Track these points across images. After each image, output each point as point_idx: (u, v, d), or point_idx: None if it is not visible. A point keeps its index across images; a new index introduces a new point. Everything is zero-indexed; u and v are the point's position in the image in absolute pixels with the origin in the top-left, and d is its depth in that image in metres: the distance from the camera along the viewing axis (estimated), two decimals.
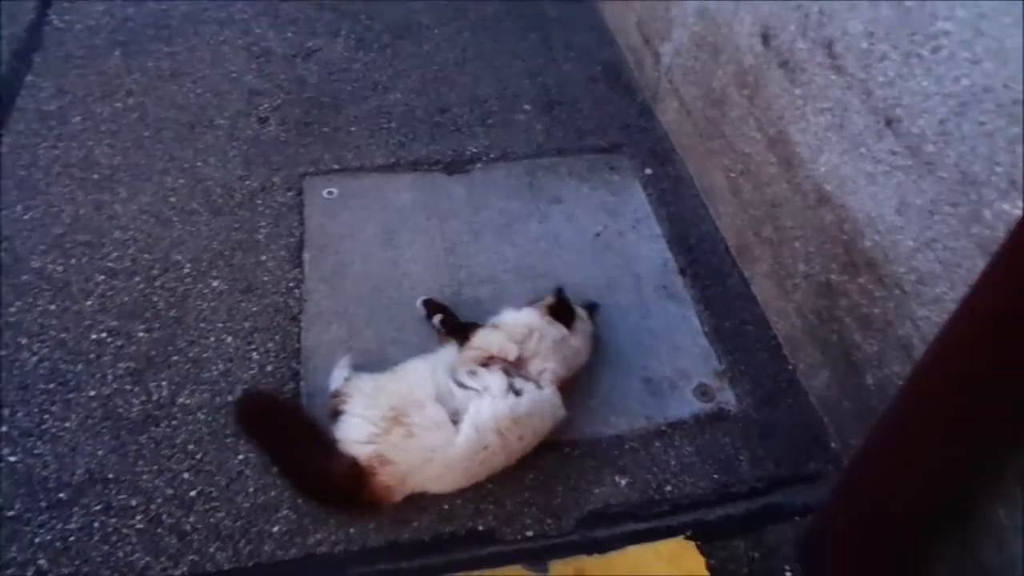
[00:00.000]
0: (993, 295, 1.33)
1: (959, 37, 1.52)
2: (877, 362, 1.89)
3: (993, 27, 1.44)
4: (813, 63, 2.00)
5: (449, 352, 2.10)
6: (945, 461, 1.52)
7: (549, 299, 2.20)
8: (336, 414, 1.94)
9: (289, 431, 1.99)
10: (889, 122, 1.74)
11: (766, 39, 2.20)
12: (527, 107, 3.14)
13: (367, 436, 1.85)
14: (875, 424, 1.66)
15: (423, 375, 1.97)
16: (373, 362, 2.20)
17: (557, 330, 2.11)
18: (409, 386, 1.95)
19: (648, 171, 2.90)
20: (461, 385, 1.93)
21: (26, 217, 2.52)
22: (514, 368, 1.99)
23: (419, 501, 1.93)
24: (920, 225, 1.68)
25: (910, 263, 1.72)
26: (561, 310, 2.17)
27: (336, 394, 2.01)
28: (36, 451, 1.97)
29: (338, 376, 2.09)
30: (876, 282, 1.85)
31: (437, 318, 2.28)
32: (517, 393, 1.91)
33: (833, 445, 2.12)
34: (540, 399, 1.95)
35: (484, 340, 2.07)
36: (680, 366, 2.30)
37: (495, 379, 1.93)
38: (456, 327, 2.21)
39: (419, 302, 2.35)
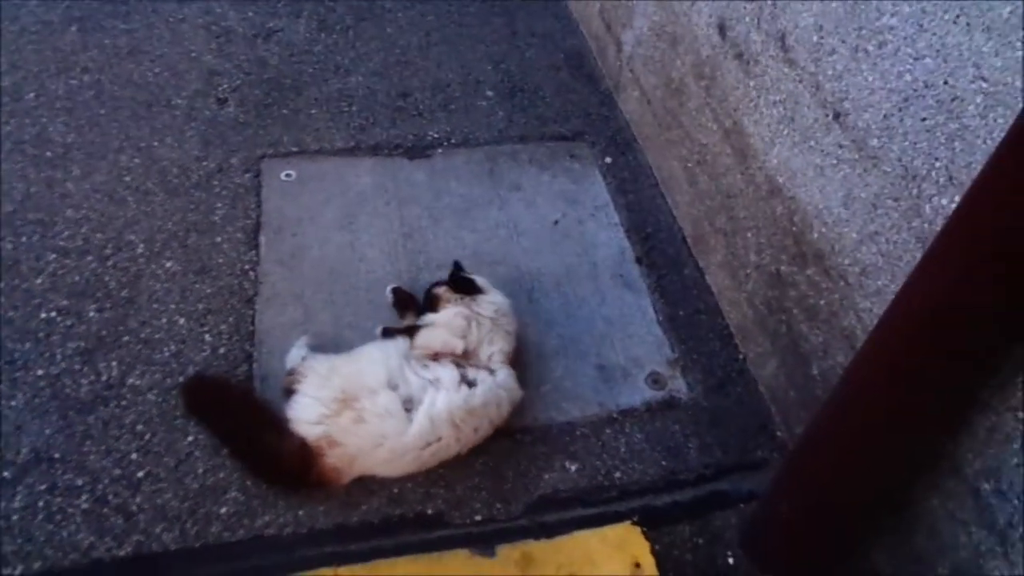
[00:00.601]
0: (928, 287, 1.36)
1: (903, 33, 1.55)
2: (822, 352, 1.93)
3: (935, 24, 1.47)
4: (767, 55, 2.02)
5: (405, 340, 2.10)
6: (883, 450, 1.56)
7: (443, 285, 2.21)
8: (290, 393, 1.94)
9: (238, 412, 1.99)
10: (837, 116, 1.77)
11: (723, 30, 2.23)
12: (489, 93, 3.14)
13: (317, 417, 1.85)
14: (816, 413, 1.69)
15: (377, 360, 1.96)
16: (329, 345, 2.20)
17: (486, 306, 2.13)
18: (362, 370, 1.94)
19: (608, 160, 2.92)
20: (416, 374, 1.93)
21: None
22: (463, 359, 1.99)
23: (369, 484, 1.94)
24: (864, 218, 1.71)
25: (854, 255, 1.76)
26: (463, 284, 2.19)
27: (291, 372, 2.01)
28: None
29: (295, 355, 2.09)
30: (823, 273, 1.88)
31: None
32: (471, 384, 1.92)
33: (779, 434, 2.16)
34: (495, 386, 1.96)
35: (427, 340, 2.07)
36: (633, 354, 2.32)
37: (446, 372, 1.93)
38: (404, 329, 2.20)
39: (388, 290, 2.35)
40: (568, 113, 3.10)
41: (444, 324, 2.09)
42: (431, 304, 2.17)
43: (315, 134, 2.87)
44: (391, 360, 1.96)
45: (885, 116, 1.62)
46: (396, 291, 2.34)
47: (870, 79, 1.66)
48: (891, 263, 1.64)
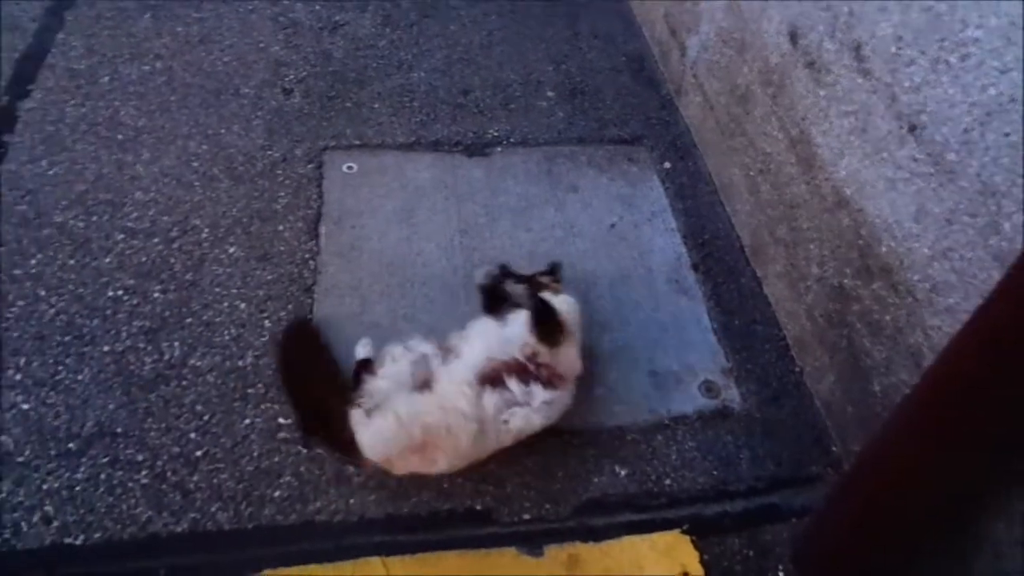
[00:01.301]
0: (1007, 308, 1.32)
1: (989, 45, 1.51)
2: (884, 369, 1.89)
3: None
4: (840, 65, 1.99)
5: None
6: (946, 471, 1.53)
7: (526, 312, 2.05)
8: (360, 390, 1.94)
9: (318, 374, 2.09)
10: (912, 128, 1.73)
11: (794, 38, 2.20)
12: (550, 94, 3.14)
13: (384, 451, 1.85)
14: (878, 430, 1.66)
15: (466, 408, 1.85)
16: (384, 336, 2.22)
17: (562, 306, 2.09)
18: (450, 426, 1.84)
19: (667, 165, 2.90)
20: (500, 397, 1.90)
21: (51, 172, 2.55)
22: (533, 369, 1.96)
23: (419, 477, 1.95)
24: (937, 234, 1.68)
25: (925, 271, 1.72)
26: (549, 328, 2.01)
27: (361, 391, 1.94)
28: (49, 401, 2.00)
29: (361, 353, 2.12)
30: (889, 289, 1.85)
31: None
32: (548, 404, 1.93)
33: (834, 449, 2.13)
34: (561, 401, 1.97)
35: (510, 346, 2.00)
36: (687, 361, 2.31)
37: (536, 393, 1.92)
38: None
39: (483, 274, 2.28)
40: (628, 116, 3.09)
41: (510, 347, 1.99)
42: (500, 299, 2.17)
43: (377, 128, 2.90)
44: (485, 411, 1.87)
45: (965, 130, 1.58)
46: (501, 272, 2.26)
47: (950, 92, 1.62)
48: (964, 281, 1.61)
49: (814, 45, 2.11)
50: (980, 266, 1.56)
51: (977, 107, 1.55)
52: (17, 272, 2.26)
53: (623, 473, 2.05)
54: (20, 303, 2.18)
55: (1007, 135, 1.47)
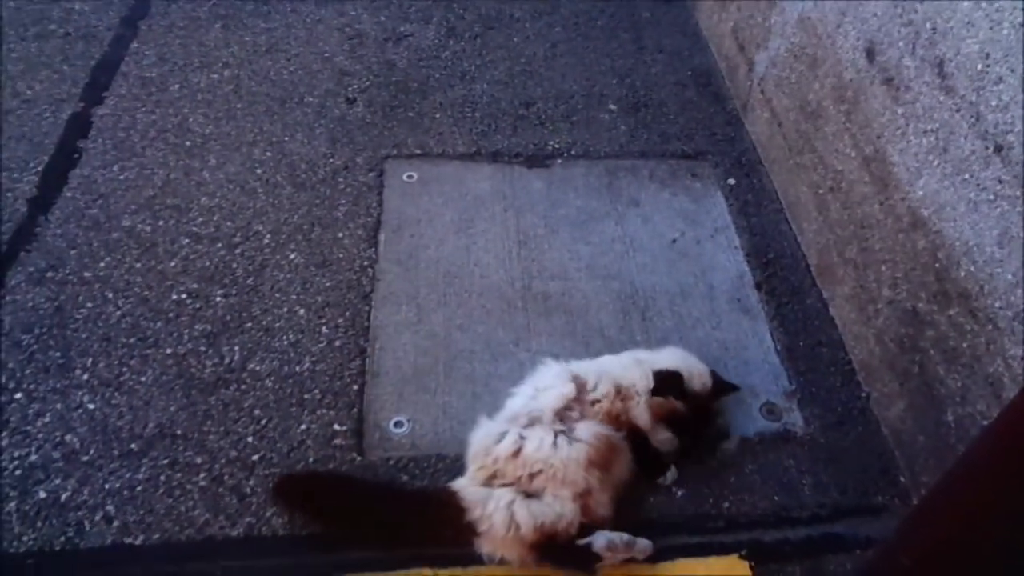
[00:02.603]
0: None
1: None
2: (960, 398, 1.81)
3: None
4: (920, 82, 1.92)
5: None
6: None
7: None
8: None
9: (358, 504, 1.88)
10: (999, 148, 1.66)
11: (871, 54, 2.13)
12: (612, 107, 3.11)
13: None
14: (954, 462, 1.59)
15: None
16: (439, 346, 2.22)
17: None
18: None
19: (731, 181, 2.84)
20: None
21: (121, 177, 2.61)
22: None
23: None
24: (1022, 259, 1.60)
25: (1007, 298, 1.64)
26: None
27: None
28: (113, 401, 2.04)
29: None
30: (967, 315, 1.77)
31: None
32: None
33: (902, 479, 2.04)
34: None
35: None
36: (748, 382, 2.24)
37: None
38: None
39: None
40: (692, 131, 3.04)
41: None
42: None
43: (438, 137, 2.91)
44: None
45: None
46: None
47: None
48: None
49: (893, 61, 2.04)
50: None
51: None
52: (87, 275, 2.31)
53: (680, 494, 2.00)
54: (88, 305, 2.24)
55: None
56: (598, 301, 2.40)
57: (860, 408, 2.20)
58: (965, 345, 1.78)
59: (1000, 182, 1.66)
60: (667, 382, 1.97)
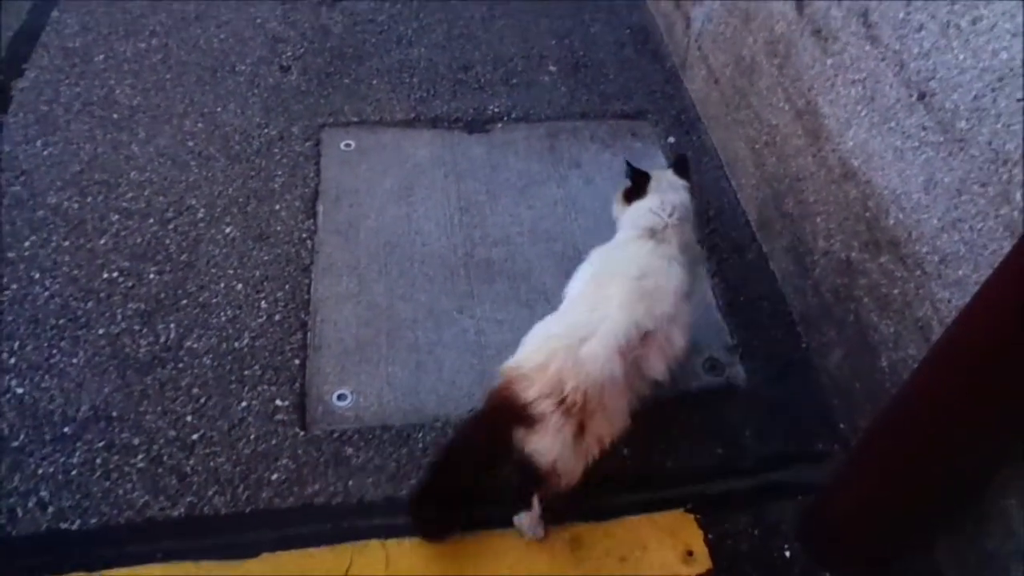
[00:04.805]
0: (1017, 279, 1.28)
1: (1001, 8, 1.45)
2: (893, 344, 1.85)
3: None
4: (847, 32, 1.93)
5: None
6: (957, 447, 1.49)
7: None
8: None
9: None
10: (922, 96, 1.68)
11: (800, 6, 2.13)
12: (552, 68, 3.08)
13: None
14: (885, 405, 1.62)
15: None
16: (381, 316, 2.20)
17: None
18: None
19: (671, 139, 2.84)
20: None
21: (45, 153, 2.52)
22: None
23: (420, 458, 1.92)
24: (947, 204, 1.62)
25: (934, 243, 1.67)
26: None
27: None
28: (43, 385, 1.98)
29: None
30: (897, 262, 1.80)
31: None
32: None
33: (842, 426, 2.09)
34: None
35: None
36: (692, 339, 2.25)
37: None
38: None
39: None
40: (632, 91, 3.03)
41: None
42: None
43: (376, 104, 2.85)
44: None
45: (976, 96, 1.52)
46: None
47: (961, 57, 1.56)
48: (975, 252, 1.56)
49: (821, 13, 2.04)
50: (991, 237, 1.51)
51: (988, 72, 1.49)
52: (11, 255, 2.23)
53: (625, 451, 2.01)
54: (14, 286, 2.16)
55: (1020, 100, 1.42)
56: (541, 265, 2.40)
57: (800, 359, 2.24)
58: (896, 291, 1.82)
59: (924, 129, 1.67)
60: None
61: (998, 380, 1.34)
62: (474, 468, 1.68)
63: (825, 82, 2.04)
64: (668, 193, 1.98)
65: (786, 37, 2.22)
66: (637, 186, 2.02)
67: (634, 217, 1.97)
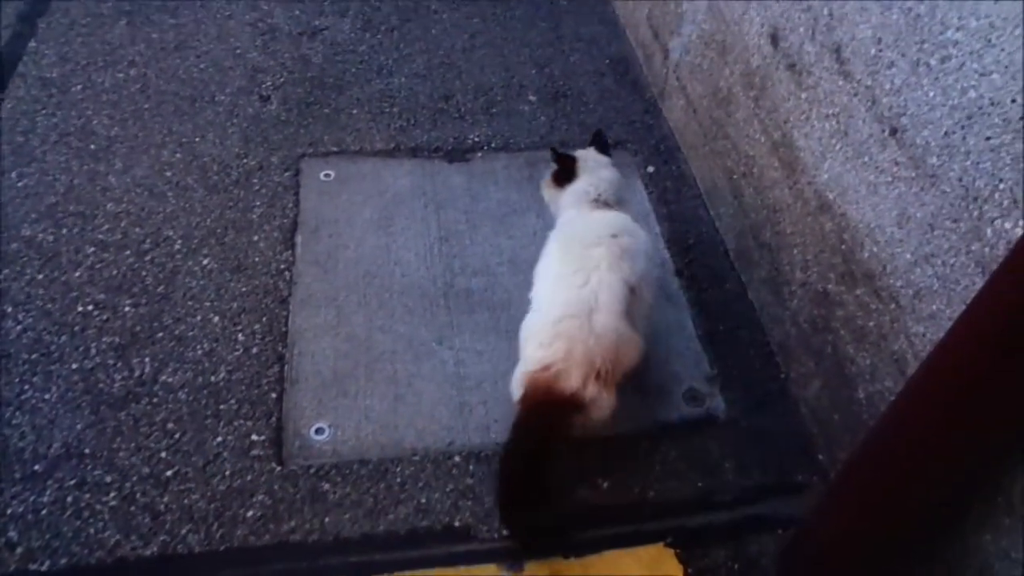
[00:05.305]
0: (990, 315, 1.29)
1: (969, 48, 1.47)
2: (869, 376, 1.85)
3: (1004, 39, 1.40)
4: (820, 67, 1.95)
5: None
6: (931, 482, 1.49)
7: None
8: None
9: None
10: (894, 131, 1.70)
11: (775, 40, 2.16)
12: (532, 98, 3.10)
13: None
14: (862, 439, 1.62)
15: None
16: (360, 348, 2.18)
17: None
18: None
19: (650, 169, 2.86)
20: None
21: (20, 184, 2.50)
22: None
23: (397, 493, 1.91)
24: (920, 239, 1.64)
25: (908, 277, 1.68)
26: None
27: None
28: (14, 422, 1.95)
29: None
30: (873, 294, 1.81)
31: None
32: None
33: (821, 457, 2.09)
34: None
35: None
36: (671, 369, 2.26)
37: None
38: None
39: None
40: (611, 120, 3.05)
41: None
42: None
43: (356, 134, 2.85)
44: None
45: (946, 133, 1.54)
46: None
47: (931, 94, 1.58)
48: (947, 287, 1.57)
49: (795, 47, 2.07)
50: (963, 272, 1.52)
51: (958, 110, 1.51)
52: None
53: (605, 484, 2.00)
54: None
55: (988, 139, 1.44)
56: (520, 295, 2.36)
57: (779, 389, 2.24)
58: (872, 324, 1.83)
59: (896, 164, 1.69)
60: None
61: (972, 416, 1.35)
62: (542, 468, 1.75)
63: (800, 115, 2.06)
64: (599, 171, 2.17)
65: (762, 70, 2.24)
66: (566, 169, 2.18)
67: (576, 197, 2.13)
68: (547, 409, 1.74)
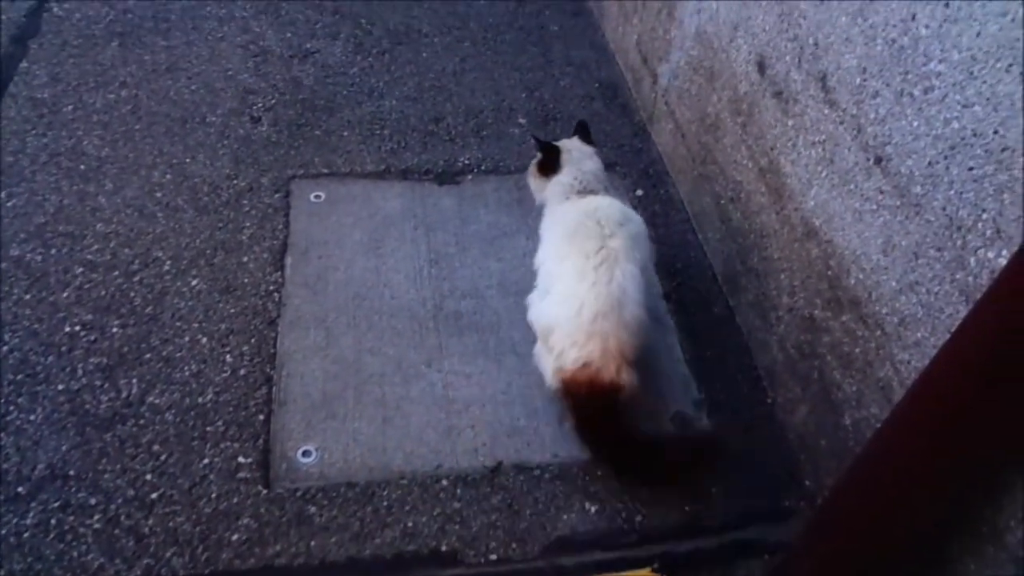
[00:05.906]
0: (973, 344, 1.30)
1: (952, 79, 1.50)
2: (856, 402, 1.86)
3: (986, 72, 1.42)
4: (806, 95, 1.98)
5: None
6: (917, 509, 1.49)
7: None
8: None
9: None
10: (879, 160, 1.72)
11: (761, 67, 2.19)
12: (522, 121, 3.12)
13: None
14: (848, 465, 1.63)
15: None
16: (348, 370, 2.18)
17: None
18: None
19: (639, 192, 2.88)
20: None
21: (9, 204, 2.49)
22: None
23: (384, 517, 1.90)
24: (904, 267, 1.66)
25: (893, 304, 1.70)
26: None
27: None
28: None
29: None
30: (858, 321, 1.83)
31: None
32: None
33: (808, 483, 2.09)
34: None
35: None
36: (658, 393, 2.27)
37: None
38: None
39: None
40: (600, 143, 3.01)
41: None
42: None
43: (346, 156, 2.86)
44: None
45: (930, 163, 1.57)
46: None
47: (915, 124, 1.61)
48: (932, 315, 1.58)
49: (781, 75, 2.10)
50: (947, 300, 1.54)
51: (941, 140, 1.53)
52: None
53: (593, 510, 2.00)
54: None
55: (971, 169, 1.46)
56: (510, 318, 2.40)
57: (766, 414, 2.25)
58: (858, 350, 1.84)
59: (881, 192, 1.71)
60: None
61: (956, 444, 1.36)
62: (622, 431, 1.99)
63: (787, 142, 2.08)
64: (583, 162, 2.28)
65: (749, 97, 2.27)
66: (550, 159, 2.28)
67: (563, 187, 2.24)
68: (593, 400, 1.95)
